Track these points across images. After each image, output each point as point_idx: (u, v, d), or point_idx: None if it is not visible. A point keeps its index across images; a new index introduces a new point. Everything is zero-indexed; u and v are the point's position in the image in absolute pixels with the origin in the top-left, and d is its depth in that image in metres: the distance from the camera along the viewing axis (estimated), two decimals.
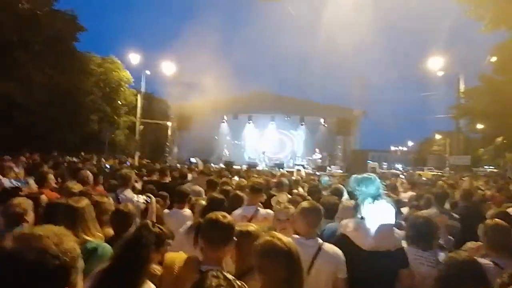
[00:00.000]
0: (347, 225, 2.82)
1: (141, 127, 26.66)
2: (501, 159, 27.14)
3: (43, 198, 3.83)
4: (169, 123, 26.37)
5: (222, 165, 18.02)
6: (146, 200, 3.16)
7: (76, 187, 3.85)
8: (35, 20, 19.49)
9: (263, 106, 22.46)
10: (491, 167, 33.15)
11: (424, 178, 15.85)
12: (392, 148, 65.06)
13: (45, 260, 0.99)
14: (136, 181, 5.77)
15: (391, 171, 24.33)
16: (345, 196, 4.50)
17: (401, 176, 14.45)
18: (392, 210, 2.80)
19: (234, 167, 16.33)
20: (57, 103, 22.05)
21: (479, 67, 21.91)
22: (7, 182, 2.49)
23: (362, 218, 2.69)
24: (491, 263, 2.43)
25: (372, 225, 2.64)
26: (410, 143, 65.37)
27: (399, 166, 44.91)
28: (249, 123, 24.28)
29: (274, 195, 4.51)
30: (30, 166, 7.26)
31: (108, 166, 11.80)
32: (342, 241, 2.71)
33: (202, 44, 24.61)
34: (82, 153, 19.77)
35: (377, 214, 2.68)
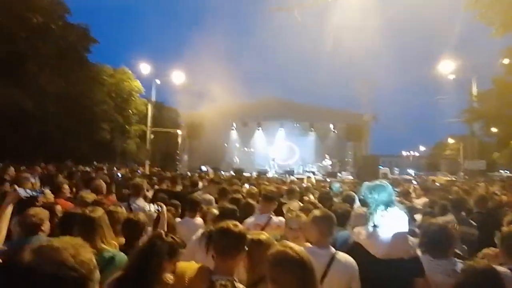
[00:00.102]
0: (359, 233, 2.79)
1: (152, 136, 26.97)
2: None
3: (58, 208, 3.91)
4: (179, 132, 26.63)
5: (232, 173, 18.05)
6: (157, 210, 3.19)
7: (90, 196, 3.92)
8: (49, 33, 20.09)
9: (272, 113, 22.51)
10: (506, 171, 32.31)
11: (437, 184, 15.56)
12: (404, 153, 64.19)
13: (63, 272, 1.01)
14: (147, 190, 5.83)
15: (403, 176, 23.94)
16: (357, 203, 4.46)
17: (413, 181, 14.20)
18: (405, 218, 2.76)
19: (244, 174, 16.35)
20: (69, 113, 22.54)
21: (491, 70, 21.58)
22: (23, 192, 2.56)
23: (375, 226, 2.66)
24: (508, 271, 2.37)
25: (385, 233, 2.61)
26: (422, 148, 64.39)
27: (411, 171, 44.22)
28: (258, 130, 24.33)
29: (284, 203, 4.50)
30: (46, 176, 7.41)
31: (119, 175, 11.95)
32: (355, 249, 2.68)
33: (211, 53, 24.96)
34: (95, 162, 20.08)
35: (390, 222, 2.65)
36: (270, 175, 19.12)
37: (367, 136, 24.58)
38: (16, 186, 2.57)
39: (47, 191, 4.55)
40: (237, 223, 2.12)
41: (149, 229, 3.12)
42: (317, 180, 15.24)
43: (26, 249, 1.06)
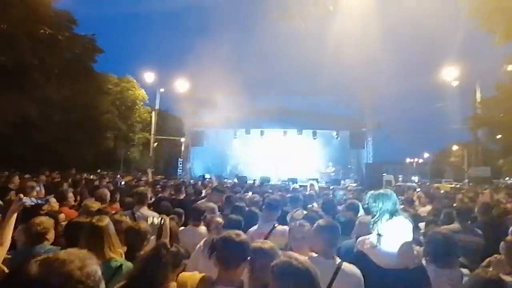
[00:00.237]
0: (364, 242, 2.78)
1: (155, 144, 27.09)
2: None
3: (61, 216, 3.93)
4: (182, 139, 26.73)
5: (235, 180, 18.03)
6: (159, 222, 3.18)
7: (94, 205, 3.94)
8: (55, 43, 20.37)
9: (275, 120, 22.56)
10: None
11: (442, 191, 15.43)
12: (408, 160, 63.78)
13: (70, 285, 1.02)
14: (150, 198, 5.84)
15: (407, 184, 23.81)
16: (361, 211, 4.44)
17: (417, 189, 14.10)
18: (410, 226, 2.75)
19: (247, 182, 16.32)
20: (74, 122, 22.73)
21: (495, 76, 21.53)
22: (28, 201, 2.59)
23: (379, 235, 2.65)
24: None
25: (390, 242, 2.60)
26: (426, 155, 63.97)
27: (415, 178, 43.87)
28: (261, 138, 24.37)
29: (288, 212, 4.49)
30: (50, 185, 7.46)
31: (123, 183, 11.98)
32: (360, 258, 2.67)
33: (214, 61, 25.07)
34: (99, 170, 20.16)
35: (395, 231, 2.64)
36: (273, 182, 19.08)
37: (371, 143, 24.54)
38: (21, 195, 2.60)
39: (52, 199, 4.58)
40: (240, 232, 2.11)
41: (152, 238, 3.12)
42: (320, 188, 15.18)
43: (32, 261, 1.07)
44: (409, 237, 2.67)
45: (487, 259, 2.99)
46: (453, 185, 24.37)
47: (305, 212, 4.40)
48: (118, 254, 2.49)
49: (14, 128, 18.43)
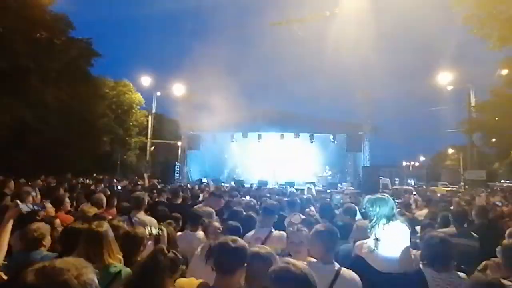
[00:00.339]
0: (362, 247, 2.79)
1: (152, 147, 27.02)
2: None
3: (57, 221, 3.90)
4: (179, 143, 26.68)
5: (233, 184, 18.00)
6: (157, 233, 3.16)
7: (91, 210, 3.92)
8: (52, 47, 20.35)
9: (272, 124, 22.60)
10: (508, 181, 32.21)
11: (438, 194, 15.48)
12: (404, 163, 64.01)
13: None
14: (148, 202, 5.81)
15: (403, 187, 23.89)
16: (358, 215, 4.45)
17: (413, 192, 14.14)
18: (407, 231, 2.77)
19: (245, 185, 16.31)
20: (70, 126, 22.62)
21: (489, 81, 21.77)
22: (24, 207, 2.57)
23: (377, 239, 2.66)
24: (511, 283, 2.36)
25: (387, 247, 2.61)
26: (422, 158, 64.27)
27: (412, 182, 44.00)
28: (258, 141, 24.38)
29: (285, 217, 4.48)
30: (46, 190, 7.40)
31: (120, 188, 11.91)
32: (358, 263, 2.68)
33: (211, 64, 25.16)
34: (95, 175, 20.04)
35: (392, 235, 2.65)
36: (270, 186, 19.07)
37: (367, 146, 24.64)
38: (18, 201, 2.58)
39: (48, 204, 4.55)
40: (237, 238, 2.10)
41: (150, 243, 3.11)
42: (317, 191, 15.19)
43: (29, 270, 1.06)
44: (406, 241, 2.68)
45: (484, 263, 3.01)
46: (449, 188, 24.48)
47: (303, 216, 4.40)
48: (117, 260, 2.48)
49: (10, 132, 18.32)
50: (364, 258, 2.66)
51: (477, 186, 20.43)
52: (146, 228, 3.86)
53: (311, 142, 24.17)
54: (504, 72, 19.37)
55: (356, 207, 4.72)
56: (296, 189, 14.79)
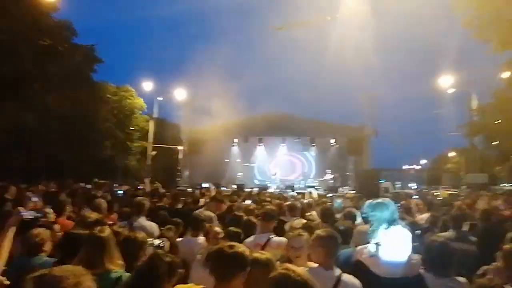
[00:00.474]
0: (362, 251, 2.78)
1: (154, 152, 27.04)
2: None
3: (56, 227, 3.91)
4: (180, 148, 26.70)
5: (233, 187, 17.99)
6: (159, 245, 3.16)
7: (92, 216, 3.91)
8: (55, 54, 20.48)
9: (273, 128, 22.62)
10: (509, 184, 32.06)
11: (439, 198, 15.41)
12: (405, 166, 63.83)
13: None
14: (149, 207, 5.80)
15: (404, 191, 23.81)
16: (359, 220, 4.44)
17: (414, 196, 14.09)
18: (408, 235, 2.77)
19: (245, 189, 16.29)
20: (72, 131, 22.69)
21: (490, 84, 21.75)
22: (27, 214, 2.58)
23: (378, 244, 2.66)
24: None
25: (388, 251, 2.60)
26: (423, 161, 64.09)
27: (413, 185, 43.83)
28: (259, 145, 24.38)
29: (285, 222, 4.47)
30: (48, 195, 7.40)
31: (121, 192, 11.90)
32: (358, 267, 2.68)
33: (212, 69, 25.28)
34: (96, 180, 20.04)
35: (393, 240, 2.65)
36: (271, 190, 19.03)
37: (368, 150, 24.59)
38: (20, 208, 2.60)
39: (49, 210, 4.55)
40: (234, 244, 2.08)
41: (150, 249, 3.10)
42: (318, 195, 15.15)
43: (28, 277, 1.07)
44: (407, 246, 2.68)
45: (484, 267, 3.00)
46: (451, 192, 24.39)
47: (304, 221, 4.39)
48: (118, 266, 2.48)
49: (12, 136, 18.39)
50: (365, 263, 2.65)
51: (479, 190, 20.34)
52: (145, 225, 3.87)
53: (312, 146, 24.16)
54: (505, 75, 19.35)
55: (357, 212, 4.71)
56: (297, 193, 14.79)
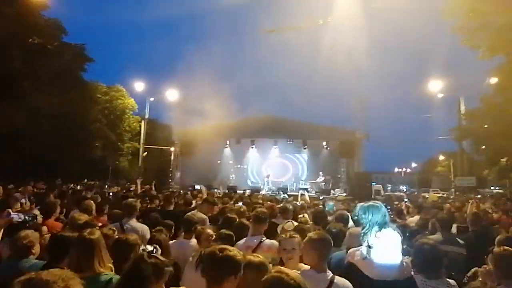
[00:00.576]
0: (354, 254, 2.79)
1: (145, 153, 26.83)
2: (506, 180, 26.83)
3: (44, 228, 3.84)
4: (172, 149, 26.54)
5: (223, 189, 17.92)
6: (152, 251, 3.11)
7: (82, 218, 3.86)
8: (45, 52, 20.21)
9: (265, 130, 22.64)
10: (497, 188, 32.69)
11: (430, 200, 15.62)
12: (396, 169, 64.61)
13: None
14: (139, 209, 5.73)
15: (395, 193, 24.06)
16: (351, 223, 4.46)
17: (405, 199, 14.26)
18: (399, 238, 2.78)
19: (238, 191, 16.26)
20: (62, 131, 22.38)
21: (478, 89, 22.16)
22: (16, 217, 2.53)
23: (369, 246, 2.67)
24: None
25: (379, 254, 2.62)
26: (413, 164, 64.95)
27: (404, 188, 44.36)
28: (252, 147, 24.38)
29: (277, 224, 4.47)
30: (37, 196, 7.28)
31: (111, 194, 11.77)
32: (350, 270, 2.68)
33: (205, 70, 25.25)
34: (86, 180, 19.79)
35: (385, 243, 2.66)
36: (263, 192, 19.03)
37: (360, 153, 24.79)
38: (10, 210, 2.55)
39: (37, 212, 4.47)
40: (226, 247, 2.07)
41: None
42: (310, 197, 15.21)
43: (15, 282, 1.05)
44: (398, 248, 2.70)
45: (473, 269, 3.04)
46: (440, 195, 24.74)
47: (295, 223, 4.39)
48: (107, 269, 2.45)
49: (2, 137, 18.05)
50: (356, 265, 2.67)
51: (467, 193, 20.68)
52: (137, 227, 3.81)
53: (304, 148, 24.25)
54: (493, 80, 19.74)
55: (349, 214, 4.73)
56: (289, 195, 14.81)
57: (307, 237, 2.65)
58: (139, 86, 27.07)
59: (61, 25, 22.44)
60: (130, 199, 4.95)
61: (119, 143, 31.05)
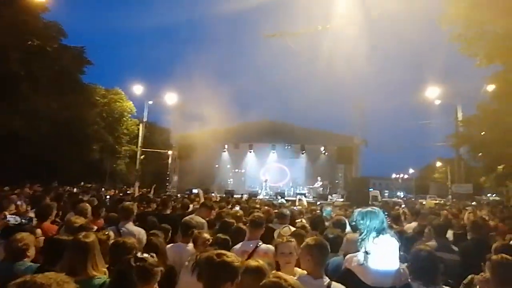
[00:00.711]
0: (352, 260, 2.79)
1: (143, 156, 26.76)
2: (503, 187, 26.94)
3: (38, 231, 3.81)
4: (170, 152, 26.50)
5: (220, 193, 17.89)
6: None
7: (78, 221, 3.83)
8: (44, 55, 20.19)
9: (264, 135, 22.65)
10: (494, 195, 32.82)
11: (427, 207, 15.63)
12: (394, 175, 64.75)
13: None
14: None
15: (393, 199, 24.10)
16: (348, 228, 4.46)
17: (402, 205, 14.27)
18: (396, 244, 2.78)
19: (235, 196, 16.23)
20: (60, 134, 22.31)
21: (476, 96, 22.31)
22: (12, 220, 2.52)
23: (367, 252, 2.66)
24: None
25: (377, 260, 2.61)
26: (411, 170, 65.10)
27: (401, 194, 44.41)
28: (250, 152, 24.37)
29: (274, 229, 4.45)
30: (33, 199, 7.22)
31: (108, 197, 11.71)
32: (347, 276, 2.68)
33: (203, 74, 25.32)
34: (83, 183, 19.70)
35: (382, 249, 2.66)
36: (261, 197, 18.99)
37: (358, 158, 24.82)
38: (6, 213, 2.54)
39: (32, 215, 4.44)
40: (223, 252, 2.06)
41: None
42: (308, 203, 15.18)
43: (10, 285, 1.04)
44: (396, 255, 2.69)
45: (470, 277, 3.03)
46: (437, 201, 24.77)
47: (292, 228, 4.38)
48: (101, 273, 2.43)
49: (0, 139, 17.97)
50: (354, 271, 2.66)
51: (464, 200, 20.73)
52: (134, 230, 3.78)
53: (302, 153, 24.26)
54: (490, 87, 19.87)
55: (346, 220, 4.72)
56: (286, 200, 14.79)
57: (304, 243, 2.64)
58: (137, 89, 27.12)
59: (61, 28, 22.47)
60: (126, 203, 4.93)
61: (117, 146, 30.97)
